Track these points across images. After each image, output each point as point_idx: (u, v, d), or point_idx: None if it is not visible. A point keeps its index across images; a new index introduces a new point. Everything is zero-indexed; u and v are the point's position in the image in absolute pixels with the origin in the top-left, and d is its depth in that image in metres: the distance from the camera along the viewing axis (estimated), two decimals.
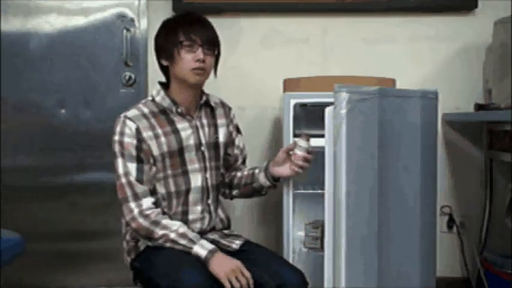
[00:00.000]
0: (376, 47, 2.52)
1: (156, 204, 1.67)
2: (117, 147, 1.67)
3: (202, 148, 1.76)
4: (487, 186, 2.47)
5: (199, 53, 1.68)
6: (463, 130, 2.53)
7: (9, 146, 2.51)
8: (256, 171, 1.86)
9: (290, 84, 2.13)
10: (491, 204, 2.47)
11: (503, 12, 2.30)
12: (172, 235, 1.62)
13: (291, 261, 1.97)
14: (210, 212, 1.78)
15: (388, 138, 1.71)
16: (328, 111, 1.64)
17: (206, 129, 1.79)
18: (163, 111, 1.73)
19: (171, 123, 1.73)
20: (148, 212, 1.64)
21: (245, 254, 1.72)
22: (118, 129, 1.67)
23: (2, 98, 2.50)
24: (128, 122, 1.67)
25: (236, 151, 1.91)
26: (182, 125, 1.74)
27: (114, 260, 2.42)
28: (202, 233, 1.74)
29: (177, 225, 1.64)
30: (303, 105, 2.04)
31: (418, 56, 2.52)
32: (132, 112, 1.70)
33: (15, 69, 2.50)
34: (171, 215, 1.71)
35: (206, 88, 1.85)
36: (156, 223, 1.63)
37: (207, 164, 1.78)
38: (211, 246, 1.62)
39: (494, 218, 2.46)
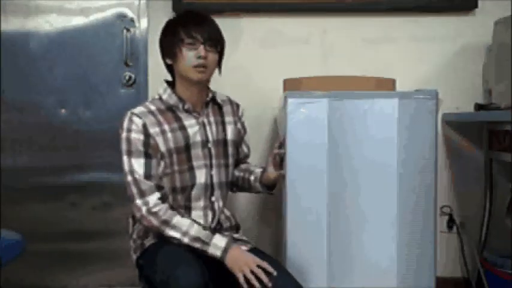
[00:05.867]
0: (376, 47, 2.51)
1: (163, 199, 1.67)
2: (124, 144, 1.68)
3: (209, 145, 1.78)
4: (487, 186, 2.47)
5: (201, 50, 1.70)
6: (463, 130, 2.53)
7: (9, 146, 2.51)
8: (252, 178, 1.88)
9: (290, 84, 2.12)
10: (491, 204, 2.46)
11: (503, 12, 2.30)
12: (186, 240, 1.62)
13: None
14: (213, 210, 1.78)
15: (348, 138, 1.77)
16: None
17: (214, 126, 1.81)
18: (170, 109, 1.75)
19: (178, 120, 1.75)
20: (155, 210, 1.64)
21: None
22: (125, 125, 1.69)
23: (2, 98, 2.50)
24: (135, 118, 1.69)
25: (245, 149, 1.96)
26: (189, 121, 1.76)
27: (115, 260, 2.42)
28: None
29: (186, 225, 1.63)
30: None
31: (418, 56, 2.51)
32: (138, 109, 1.72)
33: (15, 69, 2.50)
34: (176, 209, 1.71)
35: None
36: (166, 222, 1.63)
37: (213, 161, 1.78)
38: (223, 244, 1.61)
39: (494, 218, 2.45)
